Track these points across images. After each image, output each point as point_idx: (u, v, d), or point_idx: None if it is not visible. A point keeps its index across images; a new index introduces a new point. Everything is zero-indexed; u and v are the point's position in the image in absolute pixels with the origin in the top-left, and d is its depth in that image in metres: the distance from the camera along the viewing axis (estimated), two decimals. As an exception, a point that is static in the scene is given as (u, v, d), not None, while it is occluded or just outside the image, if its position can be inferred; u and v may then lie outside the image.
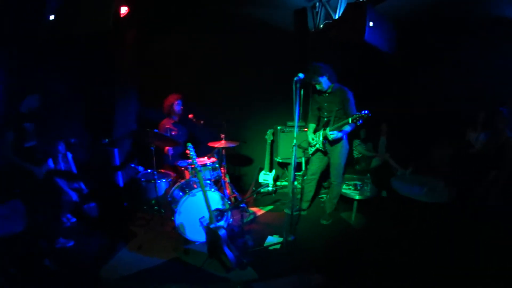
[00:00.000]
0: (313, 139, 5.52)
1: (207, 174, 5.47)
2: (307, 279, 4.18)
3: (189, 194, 4.74)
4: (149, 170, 5.75)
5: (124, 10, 5.51)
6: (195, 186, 5.02)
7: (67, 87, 5.82)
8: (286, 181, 7.29)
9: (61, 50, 5.49)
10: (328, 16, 6.36)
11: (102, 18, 5.00)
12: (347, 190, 5.71)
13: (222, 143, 5.72)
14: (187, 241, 4.81)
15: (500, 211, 5.07)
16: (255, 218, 5.91)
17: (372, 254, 4.66)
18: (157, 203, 5.39)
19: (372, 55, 5.94)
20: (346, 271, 4.29)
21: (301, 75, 4.60)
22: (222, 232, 4.18)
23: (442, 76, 6.39)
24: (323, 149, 5.40)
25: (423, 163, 6.54)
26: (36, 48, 5.19)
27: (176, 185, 5.25)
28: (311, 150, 5.64)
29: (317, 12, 6.53)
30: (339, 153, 5.36)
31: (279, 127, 6.97)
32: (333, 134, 5.04)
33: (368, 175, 6.04)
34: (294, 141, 4.70)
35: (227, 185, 6.08)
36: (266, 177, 6.99)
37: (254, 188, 6.99)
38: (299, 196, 5.92)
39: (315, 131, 5.56)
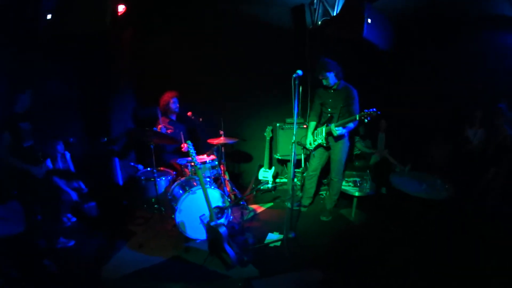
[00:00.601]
0: (314, 139, 5.52)
1: (206, 171, 5.47)
2: (308, 275, 4.18)
3: (189, 192, 4.73)
4: (148, 169, 5.74)
5: (121, 8, 5.51)
6: (195, 184, 5.02)
7: (65, 87, 5.79)
8: (285, 178, 7.28)
9: (58, 49, 5.46)
10: (326, 13, 6.35)
11: (99, 17, 4.99)
12: (347, 186, 5.71)
13: (221, 140, 5.73)
14: (188, 239, 4.81)
15: (499, 208, 5.08)
16: (255, 215, 5.92)
17: (372, 251, 4.67)
18: (157, 202, 5.39)
19: (371, 52, 5.93)
20: (346, 267, 4.29)
21: (299, 72, 4.60)
22: (222, 229, 4.17)
23: (440, 73, 6.39)
24: (325, 145, 5.39)
25: (421, 160, 6.55)
26: (33, 47, 5.16)
27: (176, 183, 5.24)
28: (312, 146, 5.64)
29: (315, 9, 6.51)
30: (341, 150, 5.38)
31: (278, 124, 6.95)
32: (338, 130, 5.05)
33: (368, 171, 6.04)
34: (294, 138, 4.70)
35: (226, 182, 6.08)
36: (265, 174, 6.98)
37: (253, 185, 6.99)
38: (299, 193, 5.92)
39: (316, 127, 5.55)
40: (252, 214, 5.93)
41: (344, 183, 5.80)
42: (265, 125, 6.98)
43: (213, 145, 5.84)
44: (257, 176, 7.08)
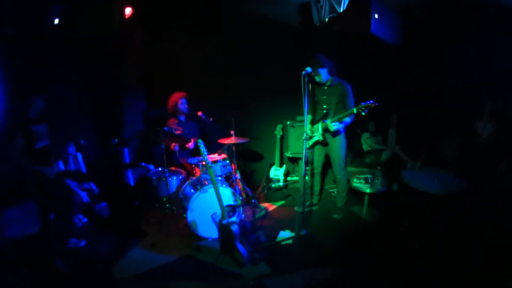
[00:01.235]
0: (312, 131, 5.49)
1: (218, 170, 5.48)
2: (320, 273, 4.17)
3: (200, 191, 4.75)
4: (159, 168, 5.76)
5: (128, 11, 5.54)
6: (206, 182, 5.03)
7: (75, 89, 5.87)
8: (296, 176, 7.27)
9: (68, 53, 5.52)
10: (333, 9, 6.32)
11: (107, 20, 5.02)
12: (358, 183, 5.68)
13: (232, 140, 5.74)
14: (200, 238, 4.83)
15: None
16: (267, 213, 5.92)
17: (384, 248, 4.63)
18: (168, 201, 5.42)
19: (379, 47, 5.90)
20: (358, 265, 4.26)
21: (309, 69, 4.60)
22: (234, 227, 4.18)
23: (451, 67, 6.33)
24: (323, 141, 5.36)
25: (433, 155, 6.50)
26: (43, 52, 5.22)
27: (187, 182, 5.26)
28: (308, 144, 5.63)
29: (322, 6, 6.47)
30: (339, 146, 5.36)
31: (288, 122, 6.94)
32: (335, 126, 5.00)
33: (379, 168, 6.00)
34: (304, 135, 4.69)
35: (238, 181, 6.08)
36: (276, 173, 6.97)
37: (265, 184, 6.99)
38: (309, 191, 5.90)
39: (312, 124, 5.53)
40: (263, 212, 5.93)
41: (355, 180, 5.78)
42: (276, 124, 6.97)
43: (224, 144, 5.84)
44: (268, 175, 7.07)
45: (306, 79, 4.52)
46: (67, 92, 5.67)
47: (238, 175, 6.14)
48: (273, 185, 6.89)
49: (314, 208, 5.90)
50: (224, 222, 4.36)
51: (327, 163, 5.75)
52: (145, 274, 4.20)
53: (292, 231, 5.08)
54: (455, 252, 4.34)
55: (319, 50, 6.39)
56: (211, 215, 4.72)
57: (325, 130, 5.23)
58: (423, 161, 6.41)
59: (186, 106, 6.12)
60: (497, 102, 5.90)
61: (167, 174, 5.19)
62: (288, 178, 7.23)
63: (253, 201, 5.83)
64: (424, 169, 5.98)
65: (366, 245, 4.74)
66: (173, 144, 5.86)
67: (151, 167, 5.88)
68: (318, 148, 5.57)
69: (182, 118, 6.23)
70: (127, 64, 6.58)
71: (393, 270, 4.08)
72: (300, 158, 6.79)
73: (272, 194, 6.86)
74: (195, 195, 4.74)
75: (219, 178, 5.30)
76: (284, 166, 7.05)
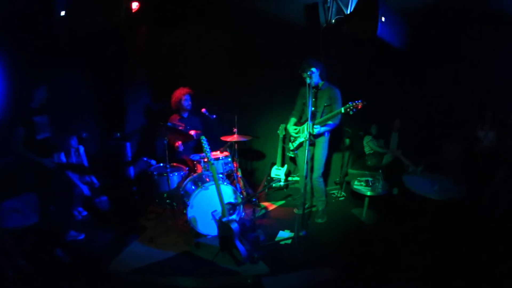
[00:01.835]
0: (295, 130, 5.48)
1: (219, 167, 5.47)
2: (318, 274, 4.18)
3: (201, 188, 4.75)
4: (161, 164, 5.77)
5: (135, 5, 5.54)
6: (207, 179, 5.04)
7: (79, 82, 5.87)
8: (298, 176, 7.27)
9: (73, 46, 5.53)
10: (339, 11, 6.32)
11: (114, 13, 5.04)
12: (359, 186, 5.69)
13: (234, 137, 5.74)
14: (199, 235, 4.83)
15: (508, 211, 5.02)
16: (267, 212, 5.95)
17: (383, 251, 4.64)
18: (169, 197, 5.40)
19: (385, 50, 5.88)
20: (357, 266, 4.27)
21: (313, 69, 4.59)
22: (234, 225, 4.18)
23: (455, 72, 6.32)
24: (308, 141, 5.32)
25: (434, 160, 6.49)
26: (47, 44, 5.22)
27: (188, 179, 5.26)
28: (292, 145, 5.62)
29: (329, 7, 6.47)
30: (321, 147, 5.37)
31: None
32: (316, 128, 5.00)
33: (380, 171, 6.00)
34: (307, 135, 4.69)
35: (239, 179, 6.08)
36: (278, 172, 6.98)
37: (266, 183, 6.99)
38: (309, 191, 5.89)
39: (300, 124, 5.51)
40: (263, 211, 5.96)
41: (356, 182, 5.80)
42: (279, 123, 6.96)
43: (226, 141, 5.84)
44: (269, 174, 7.07)
45: (305, 75, 4.52)
46: (71, 84, 5.68)
47: (239, 173, 6.14)
48: (273, 185, 6.90)
49: (314, 209, 5.89)
50: (224, 219, 4.37)
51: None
52: (144, 269, 4.21)
53: (291, 231, 5.10)
54: (453, 256, 4.35)
55: (324, 51, 6.42)
56: (211, 212, 4.73)
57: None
58: (424, 166, 6.40)
59: (190, 103, 6.09)
60: (499, 109, 5.88)
61: (168, 170, 5.19)
62: (289, 178, 7.22)
63: (253, 200, 5.81)
64: (425, 174, 5.97)
65: (365, 247, 4.75)
66: (178, 143, 5.87)
67: (153, 162, 5.88)
68: (302, 149, 5.54)
69: (185, 114, 6.21)
70: (131, 58, 6.59)
71: (391, 273, 4.09)
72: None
73: (272, 193, 6.87)
74: (196, 191, 4.74)
75: (221, 175, 5.29)
76: (286, 166, 7.06)
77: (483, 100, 6.05)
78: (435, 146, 6.52)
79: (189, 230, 4.88)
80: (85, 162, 5.64)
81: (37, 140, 4.60)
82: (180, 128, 5.97)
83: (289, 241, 4.85)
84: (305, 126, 5.29)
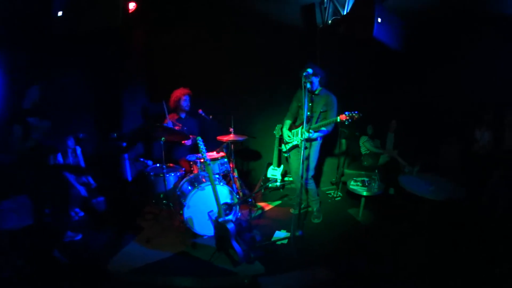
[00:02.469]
0: (289, 136, 5.51)
1: (216, 168, 5.48)
2: (314, 274, 4.19)
3: (198, 188, 4.77)
4: (157, 164, 5.77)
5: (132, 5, 5.54)
6: (203, 180, 5.04)
7: (76, 83, 5.86)
8: (289, 177, 7.29)
9: (70, 46, 5.53)
10: (336, 12, 6.34)
11: (111, 14, 5.02)
12: (355, 186, 5.71)
13: (231, 137, 5.75)
14: (195, 235, 4.85)
15: (507, 211, 5.05)
16: (263, 213, 5.96)
17: (379, 251, 4.66)
18: (165, 197, 5.41)
19: (381, 51, 5.91)
20: (353, 266, 4.28)
21: (309, 70, 4.61)
22: (230, 226, 4.20)
23: (451, 73, 6.35)
24: (301, 145, 5.33)
25: (431, 161, 6.52)
26: (44, 44, 5.22)
27: (185, 179, 5.27)
28: (285, 147, 5.64)
29: (326, 8, 6.49)
30: (314, 150, 5.38)
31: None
32: (310, 134, 4.99)
33: (376, 171, 6.02)
34: (305, 135, 4.70)
35: (235, 179, 6.09)
36: (274, 172, 7.00)
37: (262, 183, 7.00)
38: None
39: (295, 127, 5.54)
40: (260, 211, 5.97)
41: (352, 182, 5.83)
42: (275, 123, 6.98)
43: (222, 142, 5.85)
44: (265, 174, 7.09)
45: (306, 81, 4.53)
46: (68, 85, 5.67)
47: (235, 174, 6.15)
48: (270, 185, 6.92)
49: (310, 209, 5.91)
50: (221, 220, 4.38)
51: (320, 164, 5.72)
52: (141, 269, 4.21)
53: (287, 231, 5.10)
54: (450, 256, 4.37)
55: (321, 51, 6.43)
56: (208, 213, 4.75)
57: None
58: (420, 167, 6.43)
59: (189, 104, 6.10)
60: (495, 109, 5.90)
61: (165, 170, 5.19)
62: (285, 179, 7.25)
63: (249, 200, 5.84)
64: (421, 174, 5.99)
65: (361, 247, 4.77)
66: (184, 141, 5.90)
67: (149, 162, 5.89)
68: (294, 152, 5.59)
69: (183, 115, 6.21)
70: (129, 59, 6.59)
71: (387, 273, 4.11)
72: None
73: (269, 193, 6.88)
74: (192, 192, 4.75)
75: (217, 176, 5.30)
76: (282, 166, 7.08)
77: (479, 100, 6.06)
78: (431, 146, 6.56)
79: (186, 231, 4.87)
80: (82, 163, 5.64)
81: (33, 140, 4.60)
82: (176, 128, 5.98)
83: (285, 241, 4.85)
84: (299, 129, 5.31)
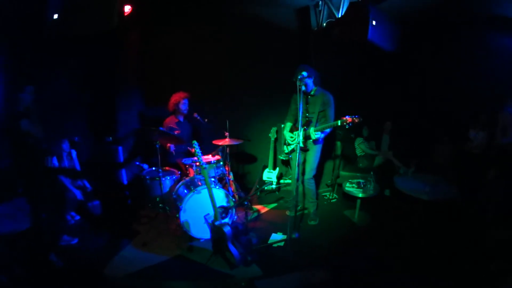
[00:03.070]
0: (291, 138, 5.54)
1: (211, 171, 5.49)
2: (311, 276, 4.19)
3: (194, 191, 4.76)
4: (153, 168, 5.77)
5: (127, 8, 5.54)
6: (199, 183, 5.03)
7: (71, 86, 5.85)
8: (289, 179, 7.30)
9: (65, 49, 5.51)
10: (331, 14, 6.35)
11: (106, 17, 5.02)
12: (351, 188, 5.72)
13: (226, 141, 5.75)
14: (192, 238, 4.84)
15: (501, 212, 5.07)
16: (259, 215, 5.96)
17: (375, 252, 4.68)
18: (161, 201, 5.41)
19: (376, 54, 5.93)
20: (349, 268, 4.29)
21: (304, 73, 4.63)
22: (227, 229, 4.20)
23: (445, 75, 6.39)
24: (303, 148, 5.37)
25: (426, 161, 6.55)
26: (39, 48, 5.21)
27: (180, 183, 5.27)
28: (288, 149, 5.66)
29: (320, 11, 6.50)
30: (316, 151, 5.43)
31: (282, 125, 6.93)
32: (317, 134, 5.08)
33: (371, 173, 6.04)
34: (299, 138, 4.72)
35: (231, 182, 6.09)
36: (269, 175, 7.01)
37: (258, 186, 7.01)
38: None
39: (293, 131, 5.58)
40: (256, 214, 5.97)
41: (347, 184, 5.84)
42: (270, 126, 7.00)
43: (218, 145, 5.86)
44: (261, 177, 7.10)
45: (301, 83, 4.55)
46: (62, 87, 5.66)
47: (231, 177, 6.15)
48: (266, 188, 6.93)
49: (306, 211, 5.92)
50: (217, 223, 4.39)
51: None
52: (137, 273, 4.20)
53: (284, 233, 5.10)
54: (446, 255, 4.40)
55: (316, 54, 6.45)
56: (204, 216, 4.74)
57: (307, 137, 5.26)
58: (415, 168, 6.46)
59: (187, 107, 6.11)
60: (490, 110, 5.93)
61: (160, 174, 5.19)
62: (281, 181, 7.25)
63: (245, 203, 5.84)
64: (417, 175, 6.02)
65: (357, 249, 4.79)
66: (168, 144, 5.88)
67: (145, 166, 5.88)
68: (295, 153, 5.60)
69: (181, 118, 6.22)
70: (124, 62, 6.58)
71: (383, 274, 4.13)
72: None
73: (264, 196, 6.89)
74: (188, 195, 4.75)
75: (213, 179, 5.31)
76: (277, 168, 7.09)
77: (474, 101, 6.10)
78: (426, 147, 6.59)
79: (182, 234, 4.87)
80: (78, 166, 5.62)
81: (28, 144, 4.58)
82: (176, 132, 5.98)
83: (281, 244, 4.86)
84: (301, 131, 5.33)
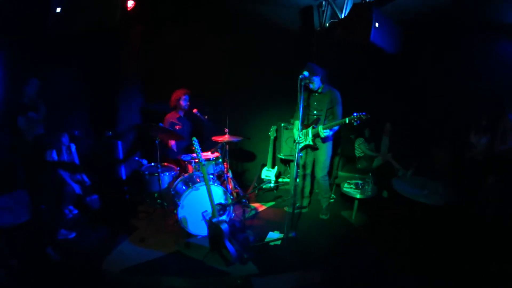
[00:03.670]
0: (300, 136, 5.55)
1: (210, 168, 5.50)
2: (307, 275, 4.20)
3: (192, 188, 4.77)
4: (152, 164, 5.77)
5: (130, 4, 5.53)
6: (198, 180, 5.05)
7: (72, 80, 5.86)
8: (288, 177, 7.31)
9: (67, 44, 5.52)
10: (334, 15, 6.36)
11: (109, 12, 5.01)
12: (349, 189, 5.73)
13: (226, 138, 5.77)
14: (189, 235, 4.85)
15: (499, 217, 5.08)
16: (257, 213, 5.96)
17: (372, 253, 4.69)
18: (160, 197, 5.42)
19: (378, 55, 5.93)
20: (345, 268, 4.30)
21: (306, 73, 4.63)
22: (224, 226, 4.21)
23: (447, 78, 6.39)
24: (313, 145, 5.41)
25: (425, 165, 6.55)
26: (41, 43, 5.21)
27: (179, 179, 5.28)
28: (299, 147, 5.69)
29: (323, 11, 6.52)
30: (326, 149, 5.48)
31: (282, 124, 6.97)
32: (326, 132, 5.12)
33: (370, 174, 6.05)
34: (297, 138, 4.73)
35: (229, 180, 6.11)
36: (268, 173, 7.02)
37: (256, 184, 7.01)
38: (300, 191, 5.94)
39: (304, 128, 5.57)
40: (253, 212, 5.97)
41: (346, 184, 5.85)
42: (270, 125, 7.01)
43: (217, 142, 5.87)
44: (260, 175, 7.11)
45: (302, 83, 4.55)
46: (63, 82, 5.67)
47: (230, 174, 6.16)
48: (264, 186, 6.93)
49: (303, 210, 5.94)
50: (214, 220, 4.39)
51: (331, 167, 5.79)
52: (134, 268, 4.21)
53: (281, 232, 5.10)
54: (442, 261, 4.39)
55: (318, 54, 6.45)
56: (202, 213, 4.75)
57: (316, 135, 5.29)
58: (414, 170, 6.47)
59: (188, 103, 6.12)
60: (491, 115, 5.93)
61: (159, 170, 5.21)
62: (280, 180, 7.27)
63: (243, 200, 5.86)
64: (415, 178, 6.03)
65: (354, 250, 4.80)
66: (170, 142, 5.90)
67: (144, 161, 5.89)
68: (306, 150, 5.62)
69: (182, 114, 6.23)
70: (126, 57, 6.58)
71: (380, 275, 4.14)
72: (292, 160, 6.80)
73: (262, 194, 6.90)
74: (187, 192, 4.76)
75: (211, 176, 5.32)
76: (276, 167, 7.10)
77: (475, 105, 6.09)
78: (425, 150, 6.58)
79: (180, 230, 4.88)
80: (77, 160, 5.63)
81: (27, 136, 4.59)
82: (178, 127, 6.00)
83: (278, 242, 4.86)
84: (309, 129, 5.35)
